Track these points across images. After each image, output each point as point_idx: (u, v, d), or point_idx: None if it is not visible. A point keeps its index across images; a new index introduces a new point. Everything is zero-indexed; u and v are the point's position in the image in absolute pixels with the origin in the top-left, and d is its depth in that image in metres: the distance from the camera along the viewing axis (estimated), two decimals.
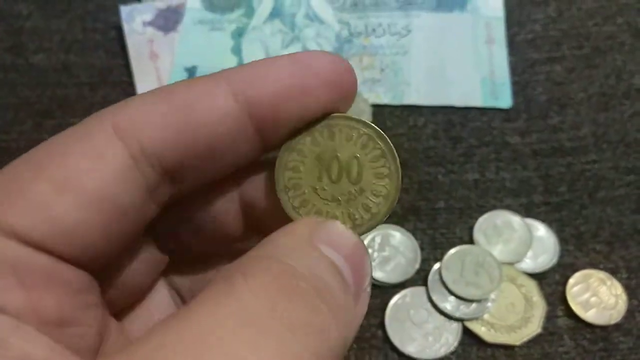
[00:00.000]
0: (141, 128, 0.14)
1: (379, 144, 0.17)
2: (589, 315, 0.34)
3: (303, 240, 0.15)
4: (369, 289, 0.16)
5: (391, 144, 0.17)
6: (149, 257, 0.18)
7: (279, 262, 0.14)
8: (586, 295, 0.34)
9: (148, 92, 0.15)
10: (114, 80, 0.43)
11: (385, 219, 0.17)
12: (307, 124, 0.17)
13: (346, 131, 0.17)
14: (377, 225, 0.17)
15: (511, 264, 0.35)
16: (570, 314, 0.34)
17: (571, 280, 0.35)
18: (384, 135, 0.17)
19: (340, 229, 0.16)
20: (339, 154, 0.17)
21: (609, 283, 0.35)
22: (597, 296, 0.34)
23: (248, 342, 0.12)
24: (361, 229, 0.17)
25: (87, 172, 0.14)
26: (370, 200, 0.17)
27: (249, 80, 0.15)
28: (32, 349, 0.13)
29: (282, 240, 0.15)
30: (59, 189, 0.13)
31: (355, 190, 0.17)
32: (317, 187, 0.17)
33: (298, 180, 0.17)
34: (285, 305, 0.13)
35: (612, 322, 0.34)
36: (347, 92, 0.16)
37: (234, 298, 0.13)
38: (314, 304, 0.13)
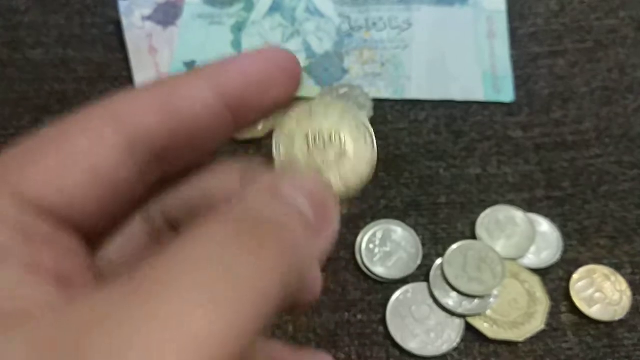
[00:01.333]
0: (133, 114, 0.17)
1: (352, 115, 0.20)
2: (593, 311, 0.33)
3: (265, 187, 0.16)
4: (335, 224, 0.17)
5: (361, 115, 0.20)
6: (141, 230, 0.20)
7: (238, 210, 0.15)
8: (590, 291, 0.34)
9: (141, 86, 0.18)
10: (112, 75, 0.42)
11: (369, 180, 0.19)
12: (284, 109, 0.20)
13: (322, 109, 0.20)
14: (364, 185, 0.19)
15: (514, 259, 0.35)
16: (574, 309, 0.34)
17: (575, 276, 0.34)
18: (354, 108, 0.20)
19: (302, 174, 0.18)
20: (321, 128, 0.20)
21: (613, 279, 0.34)
22: (601, 292, 0.34)
23: (196, 285, 0.13)
24: (353, 190, 0.19)
25: (89, 149, 0.16)
26: (355, 162, 0.20)
27: (223, 73, 0.18)
28: (40, 295, 0.14)
29: (246, 191, 0.16)
30: (65, 163, 0.16)
31: (341, 153, 0.20)
32: (309, 158, 0.19)
33: (292, 156, 0.20)
34: (234, 247, 0.14)
35: (617, 318, 0.33)
36: (299, 82, 0.19)
37: (184, 246, 0.14)
38: (263, 244, 0.14)
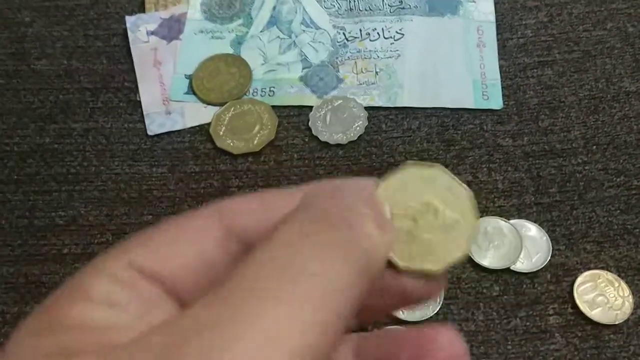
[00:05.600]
0: (236, 214, 0.19)
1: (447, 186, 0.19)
2: (595, 314, 0.34)
3: (329, 194, 0.18)
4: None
5: (460, 188, 0.19)
6: None
7: (305, 213, 0.17)
8: (593, 295, 0.35)
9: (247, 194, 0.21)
10: (115, 85, 0.43)
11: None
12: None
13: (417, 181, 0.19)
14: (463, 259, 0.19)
15: (503, 269, 0.36)
16: (562, 312, 0.35)
17: (579, 279, 0.35)
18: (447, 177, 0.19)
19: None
20: (421, 201, 0.19)
21: (617, 284, 0.35)
22: (604, 296, 0.35)
23: (273, 290, 0.15)
24: (452, 264, 0.18)
25: (196, 239, 0.19)
26: (456, 235, 0.19)
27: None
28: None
29: (312, 198, 0.18)
30: (176, 248, 0.19)
31: (444, 227, 0.19)
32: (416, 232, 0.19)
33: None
34: (304, 248, 0.16)
35: (617, 322, 0.34)
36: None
37: (262, 255, 0.16)
38: (331, 241, 0.16)
